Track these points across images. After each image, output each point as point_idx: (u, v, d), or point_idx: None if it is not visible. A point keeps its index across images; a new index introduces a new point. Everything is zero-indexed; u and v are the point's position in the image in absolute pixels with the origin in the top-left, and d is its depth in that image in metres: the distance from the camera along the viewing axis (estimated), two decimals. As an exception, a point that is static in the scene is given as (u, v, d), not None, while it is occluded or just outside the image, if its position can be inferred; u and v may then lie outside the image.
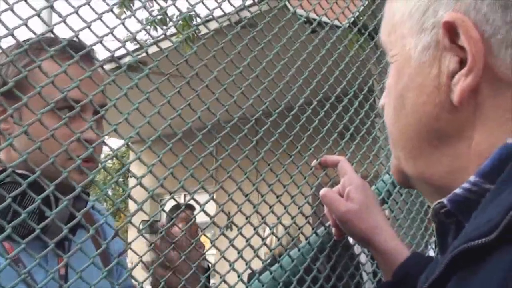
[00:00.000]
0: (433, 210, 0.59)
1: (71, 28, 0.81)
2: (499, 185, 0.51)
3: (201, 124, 0.93)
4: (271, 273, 1.01)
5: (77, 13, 0.84)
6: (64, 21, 0.82)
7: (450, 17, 0.56)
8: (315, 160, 1.10)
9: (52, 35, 0.80)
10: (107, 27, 0.83)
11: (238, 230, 0.91)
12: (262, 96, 1.02)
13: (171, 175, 0.81)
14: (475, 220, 0.51)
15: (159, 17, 2.95)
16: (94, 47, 0.88)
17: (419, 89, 0.60)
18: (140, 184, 0.77)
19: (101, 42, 0.82)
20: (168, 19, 3.48)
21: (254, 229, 0.95)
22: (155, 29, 3.76)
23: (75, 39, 0.84)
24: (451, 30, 0.57)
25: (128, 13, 1.04)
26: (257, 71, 0.98)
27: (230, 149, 0.91)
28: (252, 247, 0.95)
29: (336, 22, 1.34)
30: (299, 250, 1.08)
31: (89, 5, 0.83)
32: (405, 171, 0.66)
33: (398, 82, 0.63)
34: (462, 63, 0.57)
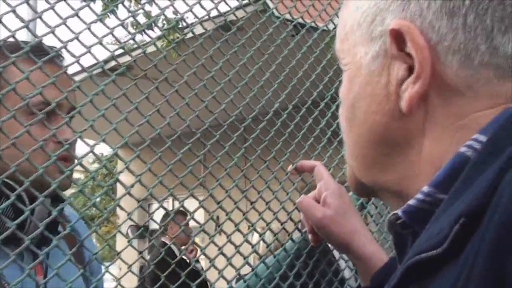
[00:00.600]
0: (389, 221, 0.58)
1: (34, 34, 0.79)
2: (452, 195, 0.50)
3: (172, 131, 0.91)
4: (245, 281, 1.00)
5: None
6: (27, 27, 0.81)
7: (396, 25, 0.56)
8: (291, 165, 1.08)
9: (14, 40, 0.78)
10: (72, 32, 0.82)
11: (209, 238, 0.89)
12: (236, 102, 1.00)
13: (139, 182, 0.79)
14: (428, 231, 0.51)
15: (136, 21, 2.92)
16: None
17: (369, 98, 0.60)
18: (106, 193, 0.75)
19: (65, 47, 0.80)
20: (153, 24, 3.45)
21: (227, 237, 0.93)
22: (141, 33, 3.70)
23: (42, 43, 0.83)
24: (398, 37, 0.56)
25: (112, 17, 1.02)
26: (230, 76, 0.96)
27: (202, 156, 0.89)
28: (224, 255, 0.93)
29: (314, 25, 1.33)
30: (274, 257, 1.07)
31: (53, 9, 0.82)
32: (360, 179, 0.66)
33: (349, 91, 0.63)
34: (410, 70, 0.56)
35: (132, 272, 0.82)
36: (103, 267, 1.14)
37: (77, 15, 0.82)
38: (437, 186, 0.53)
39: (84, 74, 0.86)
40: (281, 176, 1.08)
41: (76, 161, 0.99)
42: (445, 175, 0.53)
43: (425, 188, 0.54)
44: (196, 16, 1.03)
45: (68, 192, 1.00)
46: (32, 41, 0.85)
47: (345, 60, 0.64)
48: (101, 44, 0.81)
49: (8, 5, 0.77)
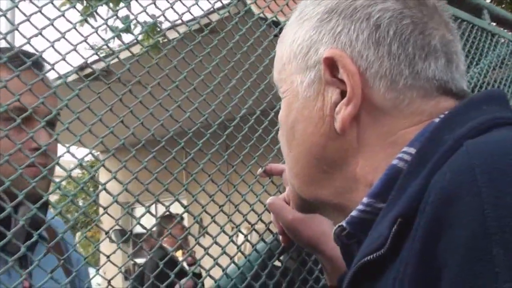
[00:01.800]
0: (335, 234, 0.64)
1: (12, 46, 0.83)
2: (389, 202, 0.55)
3: (136, 140, 0.94)
4: (215, 281, 1.03)
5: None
6: (5, 39, 0.84)
7: (329, 53, 0.63)
8: (260, 169, 1.11)
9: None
10: (48, 41, 0.86)
11: (177, 240, 0.92)
12: (202, 109, 1.03)
13: (104, 190, 0.82)
14: (370, 236, 0.56)
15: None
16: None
17: (307, 121, 0.66)
18: (72, 201, 0.79)
19: (41, 56, 0.84)
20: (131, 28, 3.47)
21: (196, 239, 0.96)
22: (119, 39, 3.70)
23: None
24: (331, 64, 0.63)
25: (92, 21, 1.06)
26: (194, 84, 0.99)
27: (166, 163, 0.92)
28: (194, 258, 0.96)
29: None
30: (245, 257, 1.10)
31: (29, 21, 0.85)
32: (302, 196, 0.71)
33: (288, 115, 0.69)
34: (343, 94, 0.63)
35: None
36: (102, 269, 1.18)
37: (52, 24, 0.86)
38: (375, 196, 0.59)
39: (60, 81, 0.89)
40: (251, 180, 1.11)
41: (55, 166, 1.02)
42: (382, 186, 0.58)
43: (365, 199, 0.59)
44: (168, 21, 1.07)
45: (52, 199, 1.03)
46: (10, 49, 0.89)
47: (283, 88, 0.71)
48: (75, 51, 0.85)
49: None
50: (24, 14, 0.87)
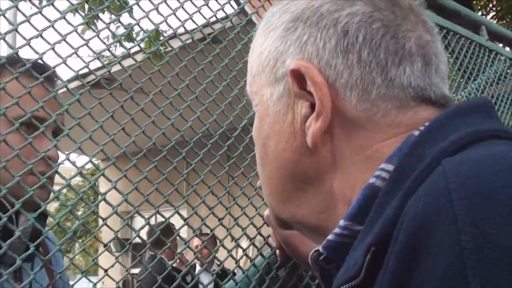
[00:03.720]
0: (311, 258, 0.59)
1: (11, 46, 0.81)
2: (366, 225, 0.51)
3: (137, 148, 0.92)
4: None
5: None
6: (4, 39, 0.82)
7: (295, 65, 0.59)
8: (259, 181, 1.09)
9: (16, 56, 0.81)
10: (48, 43, 0.84)
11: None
12: (204, 118, 1.01)
13: (104, 201, 0.80)
14: (346, 263, 0.51)
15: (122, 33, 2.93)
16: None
17: (278, 136, 0.62)
18: (71, 211, 0.76)
19: (65, 62, 0.82)
20: (134, 36, 3.47)
21: (195, 254, 0.94)
22: (121, 46, 3.67)
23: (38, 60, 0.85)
24: (298, 77, 0.59)
25: (95, 29, 1.04)
26: (196, 93, 0.97)
27: (167, 173, 0.90)
28: (191, 273, 0.93)
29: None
30: (243, 272, 1.07)
31: (29, 22, 0.83)
32: (280, 216, 0.66)
33: (260, 131, 0.65)
34: (313, 107, 0.58)
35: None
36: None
37: (53, 26, 0.84)
38: (353, 218, 0.54)
39: (61, 85, 0.87)
40: (250, 192, 1.09)
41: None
42: (359, 208, 0.54)
43: (342, 222, 0.55)
44: (171, 27, 1.05)
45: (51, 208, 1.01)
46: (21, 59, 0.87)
47: (255, 102, 0.66)
48: (76, 54, 0.83)
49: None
50: (24, 15, 0.85)
